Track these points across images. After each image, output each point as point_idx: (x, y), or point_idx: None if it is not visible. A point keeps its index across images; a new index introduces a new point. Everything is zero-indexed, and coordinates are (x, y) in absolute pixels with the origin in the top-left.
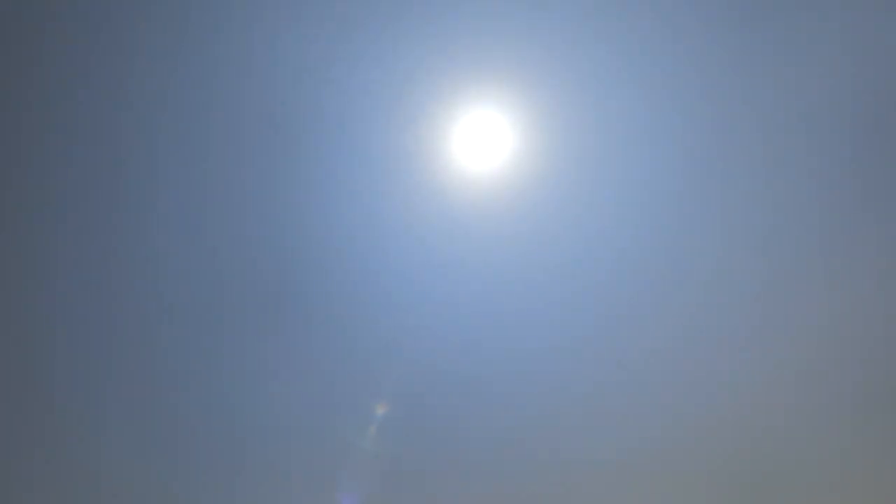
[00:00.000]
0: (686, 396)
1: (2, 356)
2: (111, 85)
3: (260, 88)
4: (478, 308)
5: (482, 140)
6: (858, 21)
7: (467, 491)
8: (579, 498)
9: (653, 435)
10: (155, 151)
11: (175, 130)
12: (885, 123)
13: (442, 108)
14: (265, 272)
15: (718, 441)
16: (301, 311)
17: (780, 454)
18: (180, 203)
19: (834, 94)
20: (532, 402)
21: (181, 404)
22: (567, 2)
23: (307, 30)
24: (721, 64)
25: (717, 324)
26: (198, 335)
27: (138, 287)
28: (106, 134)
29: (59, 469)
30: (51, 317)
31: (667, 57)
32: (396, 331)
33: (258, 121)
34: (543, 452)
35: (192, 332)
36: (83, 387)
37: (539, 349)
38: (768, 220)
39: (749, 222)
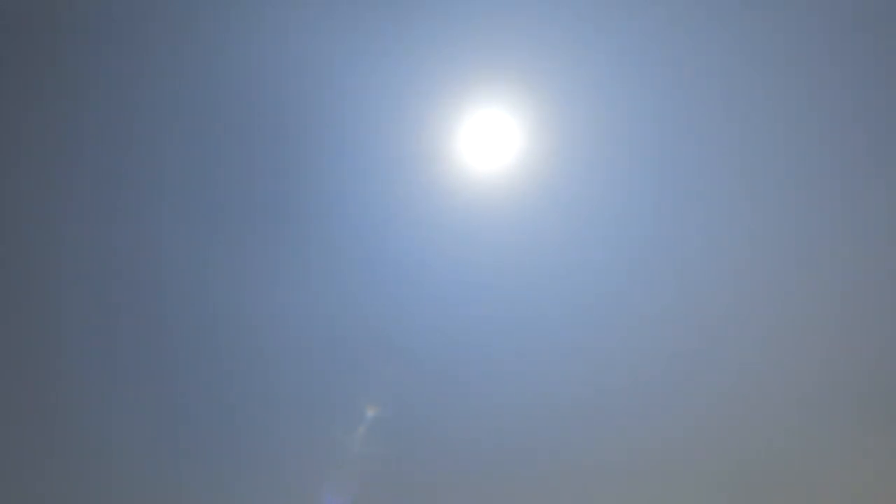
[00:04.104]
0: (688, 398)
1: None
2: (118, 85)
3: (266, 89)
4: (480, 308)
5: (488, 140)
6: (859, 18)
7: (461, 492)
8: (574, 499)
9: (652, 436)
10: (159, 156)
11: (181, 135)
12: (885, 123)
13: (448, 108)
14: (267, 271)
15: (718, 443)
16: (303, 310)
17: (781, 455)
18: (183, 210)
19: (838, 93)
20: (533, 403)
21: (178, 404)
22: (575, 3)
23: (314, 31)
24: (731, 66)
25: (721, 325)
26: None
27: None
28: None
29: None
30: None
31: (675, 59)
32: (397, 331)
33: (264, 122)
34: (539, 454)
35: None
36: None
37: (540, 350)
38: (775, 222)
39: (756, 224)
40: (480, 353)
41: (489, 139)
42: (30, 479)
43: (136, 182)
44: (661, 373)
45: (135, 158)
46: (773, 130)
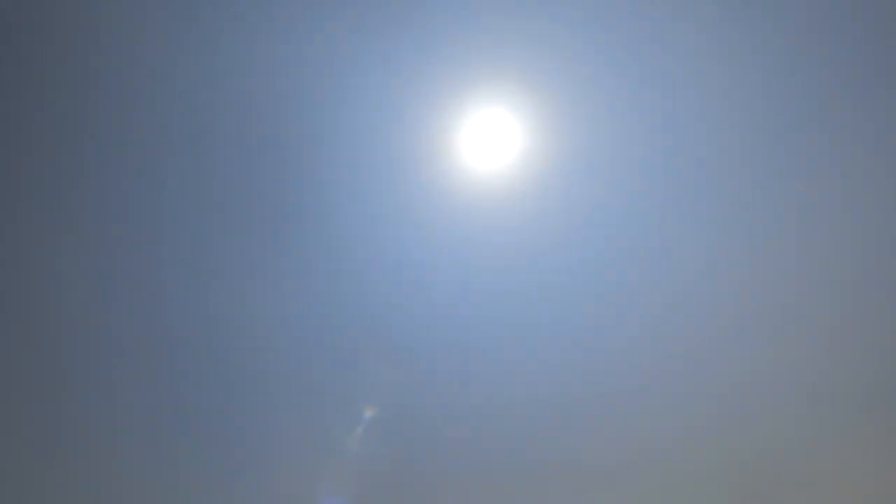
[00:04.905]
0: (690, 398)
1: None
2: (118, 84)
3: (264, 88)
4: (480, 309)
5: (489, 140)
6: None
7: (461, 493)
8: (575, 500)
9: (653, 437)
10: (158, 156)
11: (180, 134)
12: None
13: (449, 107)
14: (265, 271)
15: (719, 443)
16: (301, 310)
17: (783, 456)
18: (181, 208)
19: (842, 92)
20: (534, 404)
21: (175, 405)
22: (577, 2)
23: (313, 31)
24: (736, 65)
25: (723, 325)
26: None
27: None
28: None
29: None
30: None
31: (679, 58)
32: (396, 331)
33: (262, 122)
34: (539, 454)
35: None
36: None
37: (541, 350)
38: (778, 222)
39: (759, 224)
40: (481, 354)
41: (490, 139)
42: (29, 478)
43: (135, 182)
44: (663, 374)
45: (133, 158)
46: (778, 130)
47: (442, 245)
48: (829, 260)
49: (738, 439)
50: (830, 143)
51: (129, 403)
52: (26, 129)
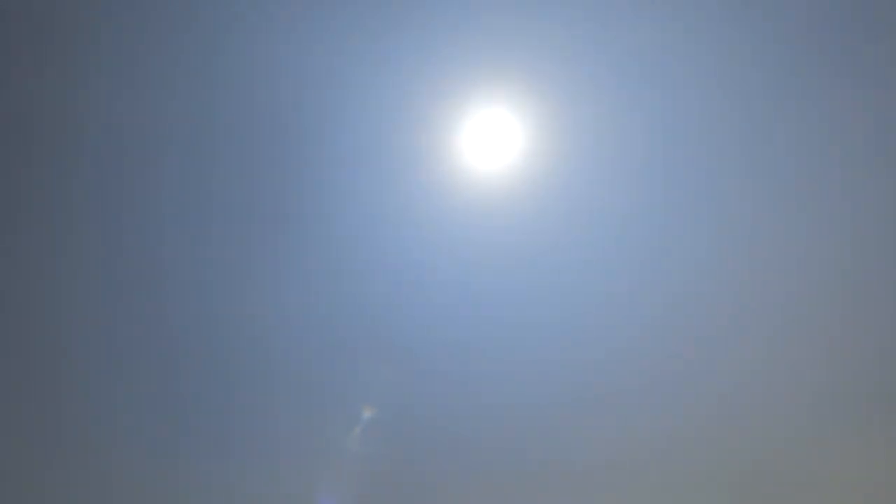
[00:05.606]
0: (692, 399)
1: None
2: (118, 84)
3: (265, 88)
4: (482, 309)
5: (492, 140)
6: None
7: (460, 493)
8: (576, 500)
9: (655, 437)
10: (159, 156)
11: (180, 133)
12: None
13: (451, 108)
14: (266, 272)
15: (721, 443)
16: (302, 310)
17: (784, 456)
18: (183, 209)
19: (843, 93)
20: (534, 404)
21: (175, 405)
22: (581, 2)
23: (314, 31)
24: (738, 67)
25: (725, 325)
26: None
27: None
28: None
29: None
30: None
31: (682, 59)
32: (397, 332)
33: (265, 122)
34: (540, 454)
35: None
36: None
37: (543, 351)
38: (781, 223)
39: (761, 225)
40: (481, 354)
41: (493, 139)
42: (29, 478)
43: (135, 182)
44: (665, 374)
45: (134, 158)
46: (780, 131)
47: (442, 245)
48: (829, 260)
49: (738, 439)
50: (830, 143)
51: (129, 403)
52: (27, 129)
